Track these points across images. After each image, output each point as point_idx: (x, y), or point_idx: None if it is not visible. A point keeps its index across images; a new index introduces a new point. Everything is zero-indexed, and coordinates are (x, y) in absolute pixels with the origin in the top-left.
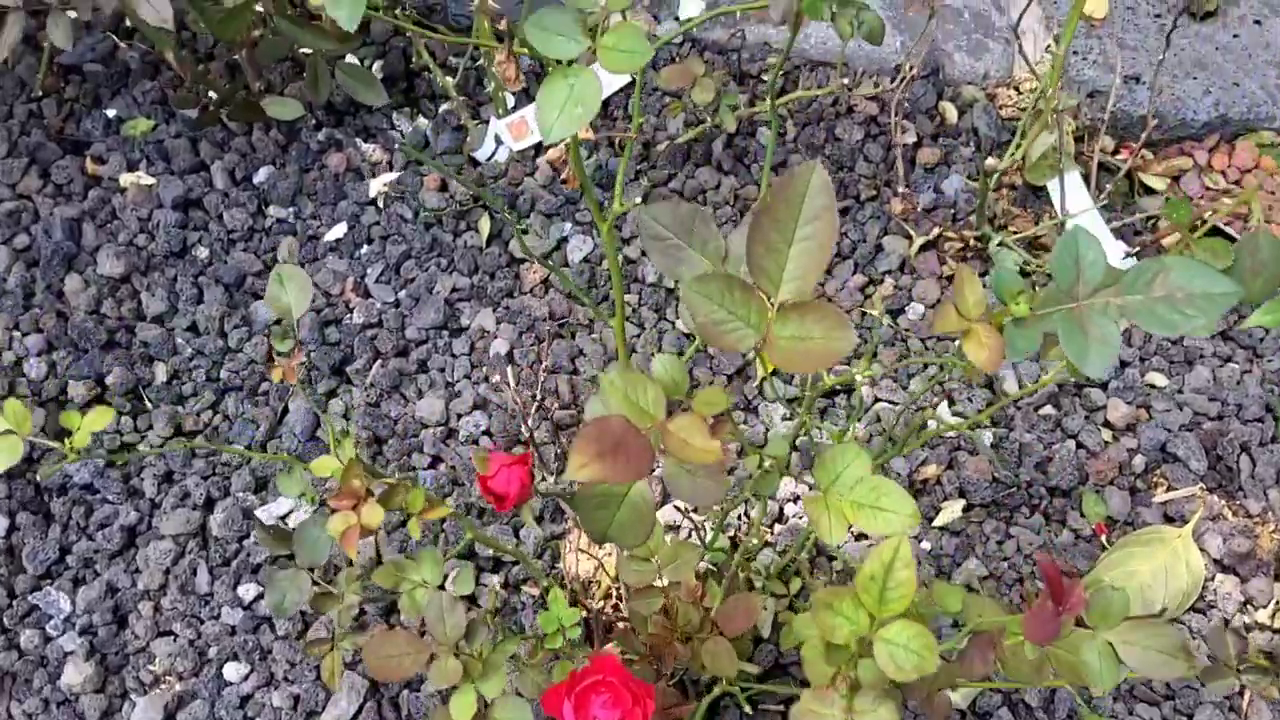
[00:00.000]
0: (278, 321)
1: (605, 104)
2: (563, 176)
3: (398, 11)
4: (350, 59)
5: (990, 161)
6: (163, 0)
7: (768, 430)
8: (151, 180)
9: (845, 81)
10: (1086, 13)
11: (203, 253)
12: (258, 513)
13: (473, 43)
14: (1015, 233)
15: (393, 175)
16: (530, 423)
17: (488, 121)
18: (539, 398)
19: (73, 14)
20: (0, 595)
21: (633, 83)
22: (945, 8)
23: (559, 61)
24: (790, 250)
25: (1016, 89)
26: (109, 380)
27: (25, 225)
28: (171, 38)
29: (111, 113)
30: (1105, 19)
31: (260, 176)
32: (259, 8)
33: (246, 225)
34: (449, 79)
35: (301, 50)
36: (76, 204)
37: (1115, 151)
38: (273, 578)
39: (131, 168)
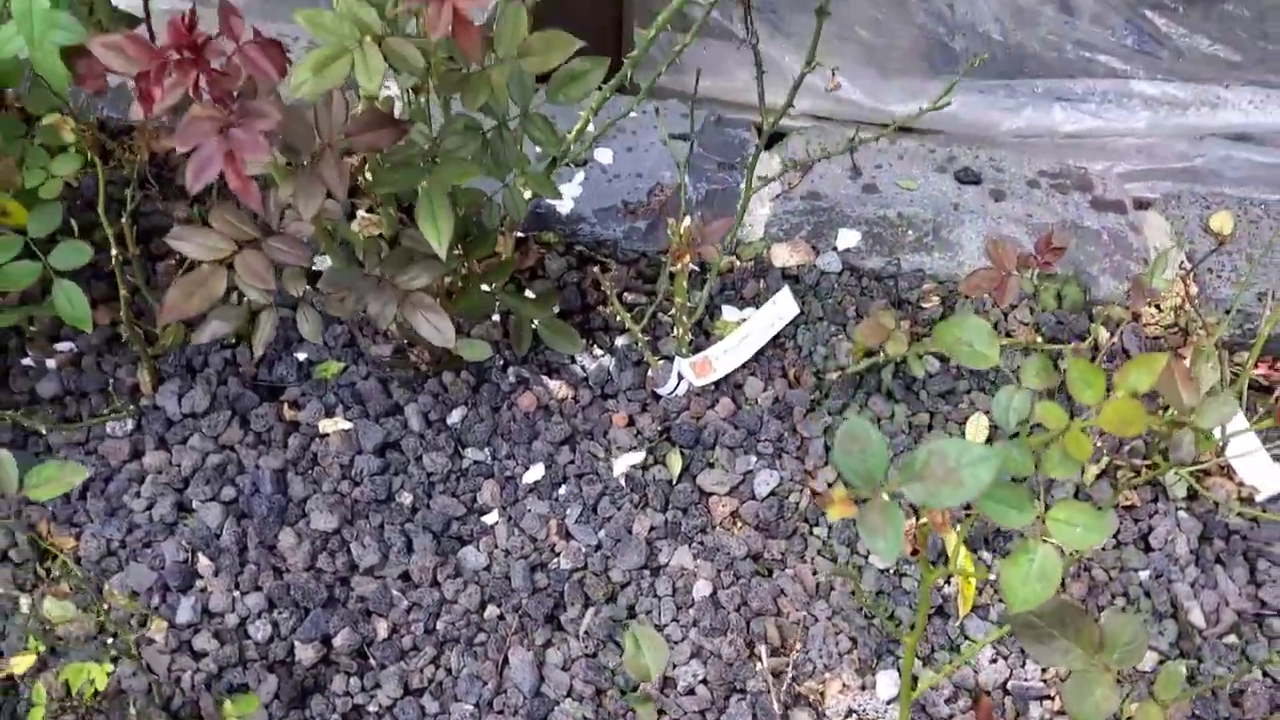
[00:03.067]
0: (634, 688)
1: (777, 338)
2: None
3: (579, 249)
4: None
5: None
6: (445, 321)
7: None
8: (349, 425)
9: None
10: (1215, 229)
11: (406, 498)
12: None
13: (679, 299)
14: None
15: (639, 455)
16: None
17: (670, 358)
18: (750, 644)
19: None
20: None
21: (801, 312)
22: (1085, 230)
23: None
24: None
25: (1158, 306)
26: (336, 641)
27: (231, 477)
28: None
29: (302, 356)
30: (1232, 235)
31: (454, 418)
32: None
33: (445, 468)
34: (627, 315)
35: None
36: (279, 453)
37: (1254, 366)
38: None
39: (329, 413)
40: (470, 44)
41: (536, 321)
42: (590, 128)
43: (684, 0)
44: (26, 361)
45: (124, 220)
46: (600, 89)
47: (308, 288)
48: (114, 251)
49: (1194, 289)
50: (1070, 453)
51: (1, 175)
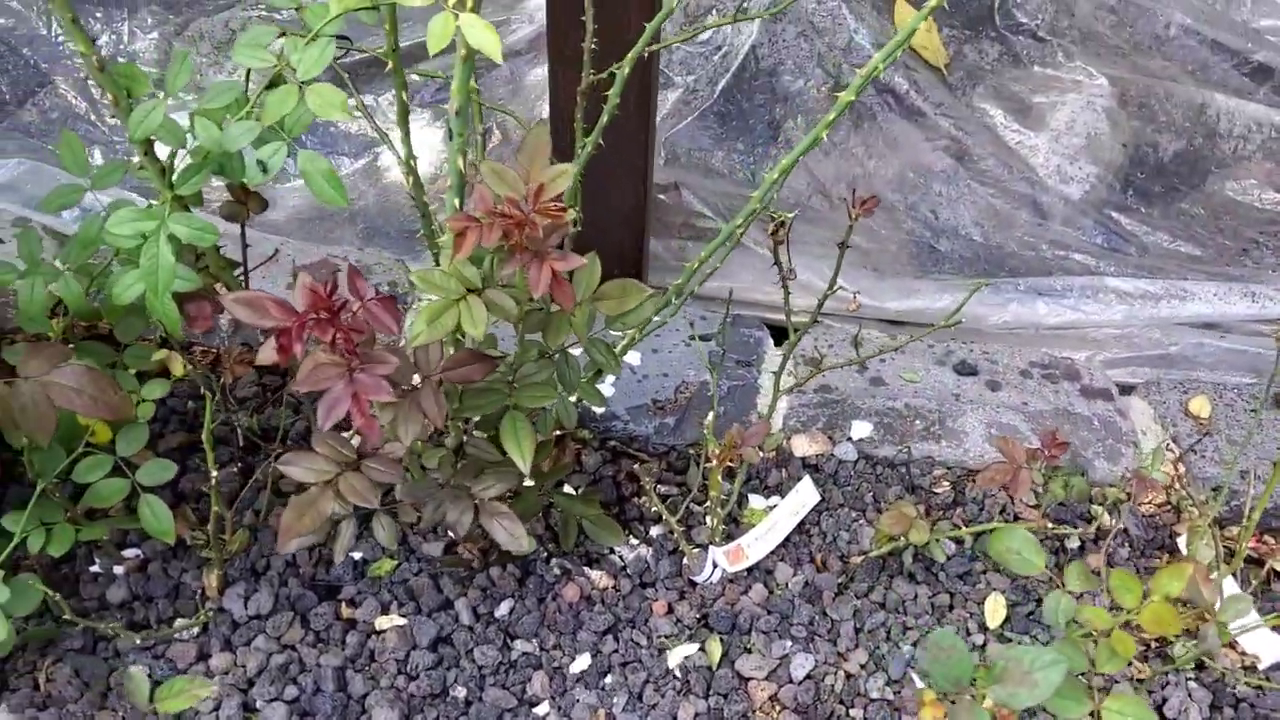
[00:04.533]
0: None
1: (802, 524)
2: None
3: (613, 444)
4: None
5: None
6: (519, 527)
7: None
8: (404, 621)
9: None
10: (1194, 413)
11: (460, 692)
12: None
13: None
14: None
15: (693, 648)
16: None
17: (704, 546)
18: None
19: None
20: None
21: (822, 499)
22: (1077, 416)
23: None
24: None
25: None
26: None
27: (294, 676)
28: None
29: (358, 555)
30: (1211, 418)
31: (503, 610)
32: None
33: (496, 661)
34: (663, 507)
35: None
36: (338, 651)
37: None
38: None
39: (384, 610)
40: (565, 298)
41: (584, 521)
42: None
43: (715, 247)
44: (95, 568)
45: (206, 435)
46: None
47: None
48: (214, 474)
49: (1182, 469)
50: (1118, 650)
51: (120, 409)
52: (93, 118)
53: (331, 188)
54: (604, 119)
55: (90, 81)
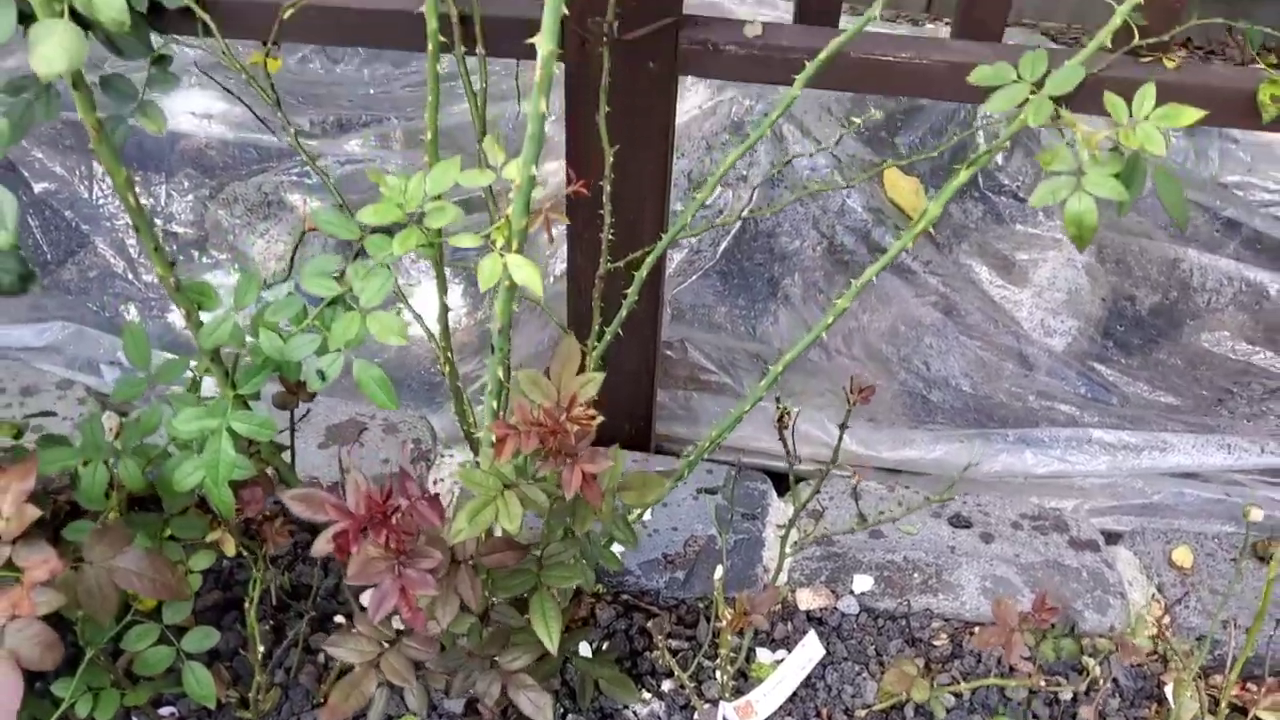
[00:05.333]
0: None
1: (807, 678)
2: None
3: (625, 598)
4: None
5: None
6: (545, 698)
7: None
8: None
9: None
10: (1176, 563)
11: None
12: None
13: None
14: None
15: None
16: None
17: (715, 702)
18: None
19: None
20: None
21: (827, 653)
22: (1066, 568)
23: None
24: None
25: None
26: None
27: None
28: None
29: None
30: (1193, 568)
31: None
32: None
33: None
34: (675, 665)
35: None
36: None
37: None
38: None
39: None
40: (594, 497)
41: (600, 681)
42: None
43: (726, 428)
44: None
45: (252, 611)
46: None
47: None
48: (259, 649)
49: (1167, 619)
50: None
51: (177, 590)
52: (129, 276)
53: (384, 393)
54: (622, 312)
55: (129, 241)
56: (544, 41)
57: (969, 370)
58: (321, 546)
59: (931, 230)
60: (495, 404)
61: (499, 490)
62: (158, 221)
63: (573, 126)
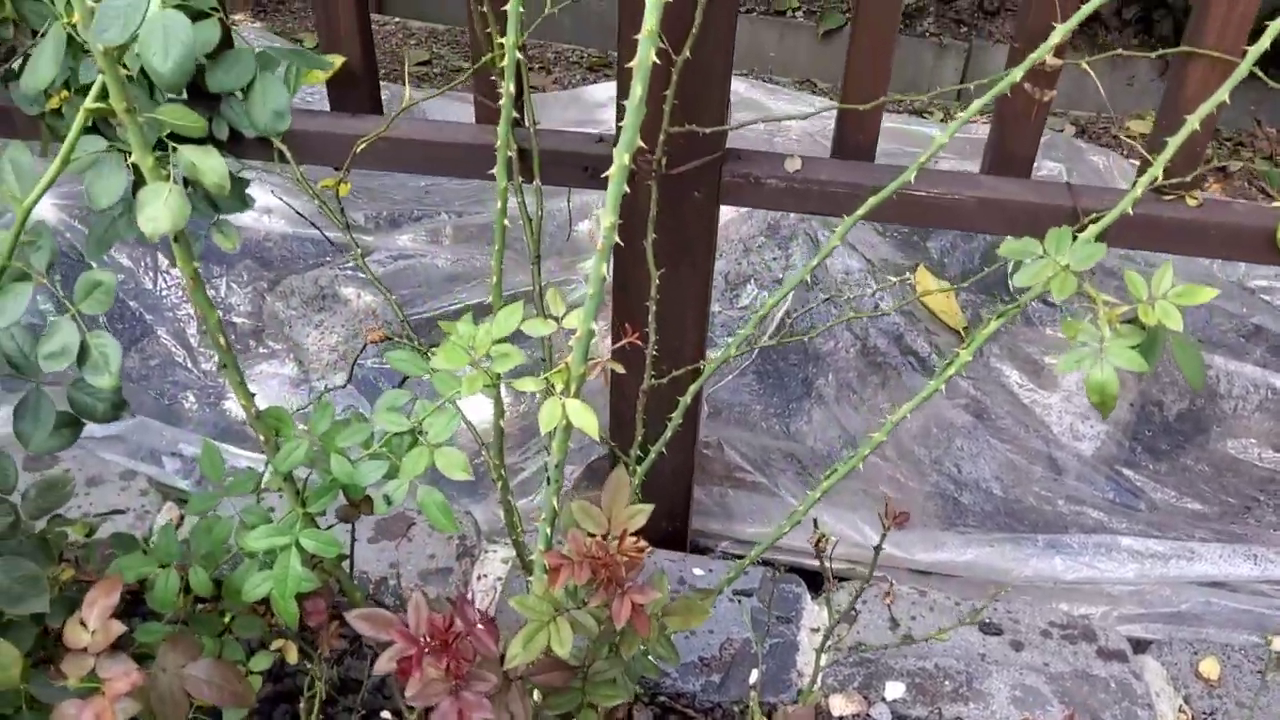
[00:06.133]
0: None
1: None
2: None
3: (662, 699)
4: None
5: None
6: None
7: None
8: None
9: None
10: (1203, 674)
11: None
12: None
13: None
14: None
15: None
16: None
17: None
18: None
19: None
20: None
21: None
22: (1094, 678)
23: None
24: None
25: None
26: None
27: None
28: None
29: None
30: (1220, 680)
31: None
32: None
33: None
34: None
35: None
36: None
37: None
38: None
39: None
40: (643, 626)
41: None
42: None
43: (761, 550)
44: None
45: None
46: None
47: None
48: None
49: None
50: None
51: (244, 697)
52: (189, 364)
53: (444, 518)
54: (666, 434)
55: (189, 330)
56: (606, 215)
57: (999, 473)
58: (384, 665)
59: (962, 333)
60: (549, 530)
61: (551, 616)
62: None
63: (621, 250)
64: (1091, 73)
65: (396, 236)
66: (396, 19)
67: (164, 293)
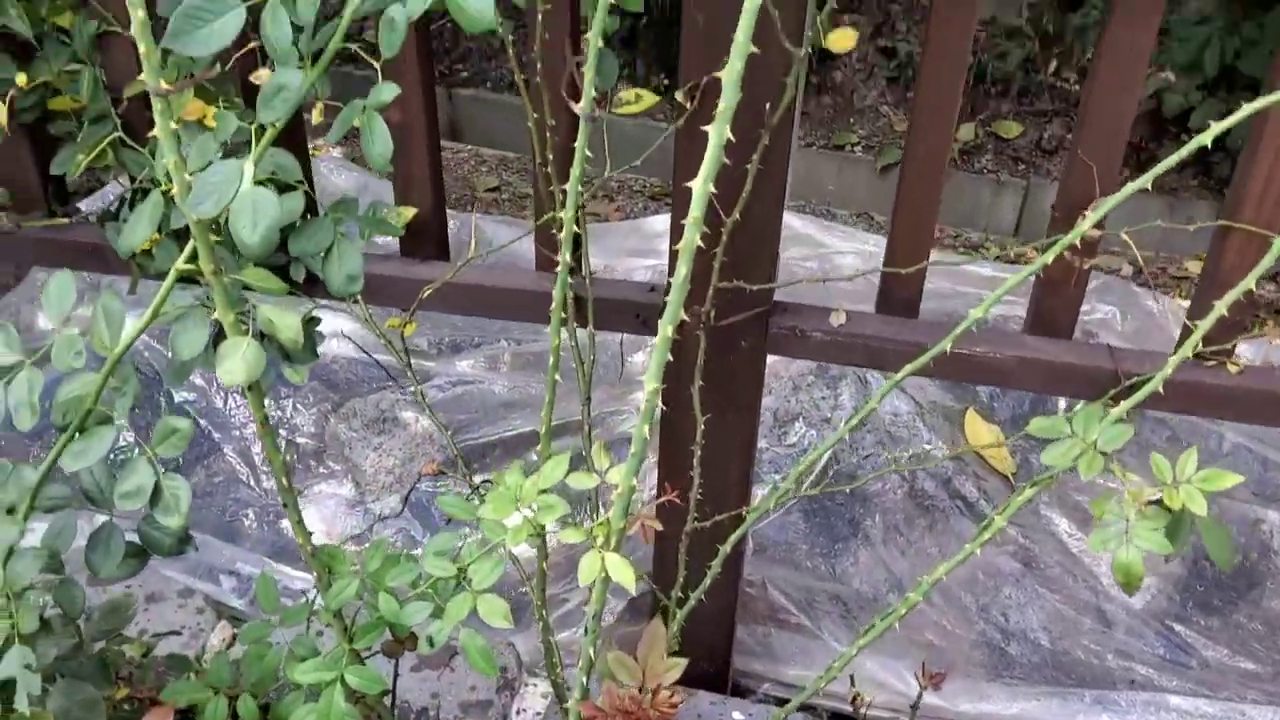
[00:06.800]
0: None
1: None
2: None
3: None
4: None
5: None
6: None
7: None
8: None
9: None
10: None
11: None
12: None
13: None
14: None
15: None
16: None
17: None
18: None
19: None
20: None
21: None
22: None
23: None
24: None
25: None
26: None
27: None
28: None
29: None
30: None
31: None
32: None
33: None
34: None
35: None
36: None
37: None
38: None
39: None
40: None
41: None
42: None
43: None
44: None
45: None
46: None
47: None
48: None
49: None
50: None
51: None
52: (251, 482)
53: (484, 662)
54: (706, 581)
55: (254, 449)
56: (649, 380)
57: (1047, 623)
58: None
59: (1011, 479)
60: (585, 679)
61: None
62: (282, 432)
63: (668, 394)
64: (1134, 246)
65: (457, 362)
66: (470, 146)
67: (232, 412)
